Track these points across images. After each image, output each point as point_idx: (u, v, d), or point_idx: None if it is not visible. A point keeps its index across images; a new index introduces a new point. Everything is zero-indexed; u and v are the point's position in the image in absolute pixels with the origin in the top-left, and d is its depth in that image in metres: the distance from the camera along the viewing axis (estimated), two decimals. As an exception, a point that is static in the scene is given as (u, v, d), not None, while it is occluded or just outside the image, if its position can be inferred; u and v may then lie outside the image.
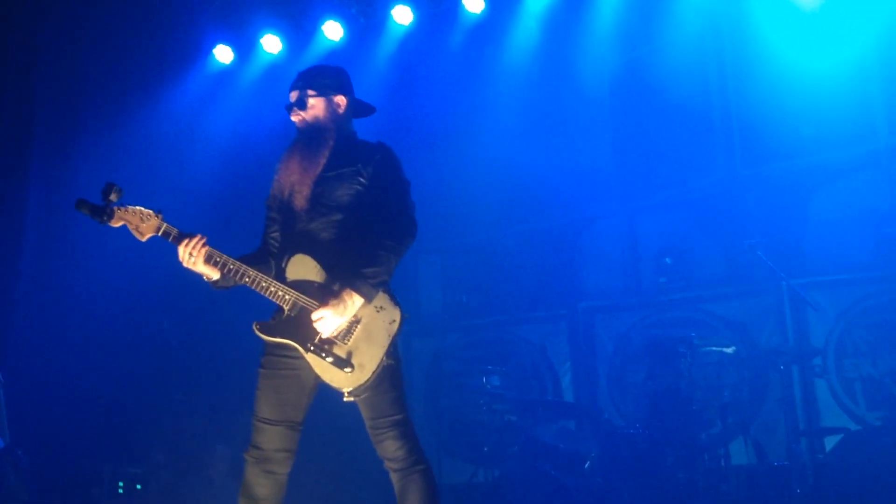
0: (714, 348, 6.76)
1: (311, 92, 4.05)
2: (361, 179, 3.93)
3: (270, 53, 8.79)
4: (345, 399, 3.78)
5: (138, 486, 7.48)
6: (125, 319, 8.19)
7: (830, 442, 6.47)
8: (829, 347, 6.97)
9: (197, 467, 7.68)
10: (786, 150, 7.49)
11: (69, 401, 7.81)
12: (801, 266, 7.18)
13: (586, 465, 6.51)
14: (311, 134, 4.02)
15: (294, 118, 4.06)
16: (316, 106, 4.05)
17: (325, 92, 4.07)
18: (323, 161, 3.96)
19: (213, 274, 3.80)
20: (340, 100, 4.10)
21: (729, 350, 6.70)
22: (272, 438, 3.80)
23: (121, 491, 7.49)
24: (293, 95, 4.07)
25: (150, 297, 8.20)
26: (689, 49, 7.89)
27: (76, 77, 8.60)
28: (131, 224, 3.74)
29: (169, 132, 8.78)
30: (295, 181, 3.94)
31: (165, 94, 8.86)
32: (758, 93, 7.64)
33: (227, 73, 9.01)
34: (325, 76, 4.13)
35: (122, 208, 3.72)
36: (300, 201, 3.91)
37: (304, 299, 3.75)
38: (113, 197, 3.66)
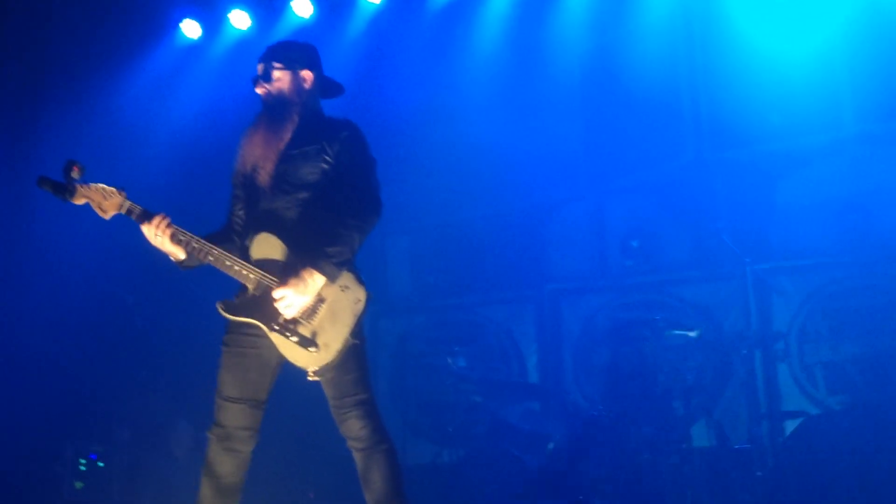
0: (678, 332, 6.79)
1: (276, 64, 4.02)
2: (327, 157, 3.90)
3: (239, 29, 8.69)
4: (309, 378, 3.78)
5: (101, 464, 7.42)
6: (88, 296, 8.10)
7: (791, 426, 6.55)
8: (791, 332, 7.05)
9: (160, 445, 7.64)
10: (753, 136, 7.53)
11: (30, 378, 7.72)
12: (766, 251, 7.23)
13: (550, 447, 6.55)
14: (275, 107, 3.99)
15: (259, 90, 4.04)
16: (281, 79, 4.02)
17: (291, 65, 4.04)
18: (287, 136, 3.93)
19: (180, 253, 3.77)
20: (307, 74, 4.07)
21: (693, 333, 6.74)
22: (235, 416, 3.79)
23: (83, 468, 7.43)
24: (259, 68, 4.05)
25: (113, 274, 8.11)
26: (658, 33, 7.89)
27: (38, 52, 8.45)
28: (94, 201, 3.70)
29: (134, 108, 8.66)
30: (258, 155, 3.92)
31: (131, 70, 8.73)
32: (726, 79, 7.66)
33: (195, 48, 8.89)
34: (293, 50, 4.11)
35: (85, 185, 3.68)
36: (263, 177, 3.88)
37: (267, 278, 3.73)
38: (74, 174, 3.61)
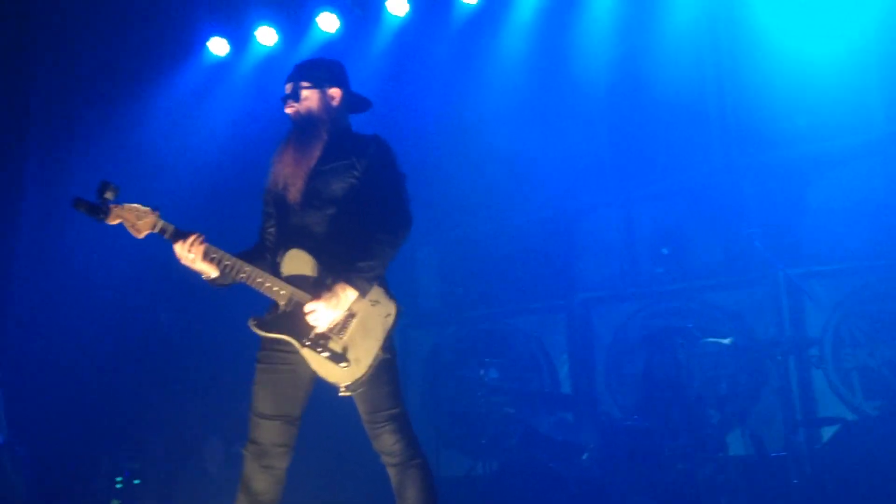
0: (711, 339, 6.74)
1: (304, 84, 4.05)
2: (356, 173, 3.92)
3: (266, 46, 8.76)
4: (341, 394, 3.78)
5: (136, 481, 7.48)
6: (123, 313, 8.19)
7: (828, 432, 6.48)
8: (825, 337, 6.97)
9: (194, 460, 7.68)
10: (782, 139, 7.47)
11: (67, 395, 7.81)
12: (798, 256, 7.16)
13: (584, 457, 6.52)
14: (305, 126, 4.02)
15: (288, 110, 4.06)
16: (310, 98, 4.04)
17: (319, 84, 4.06)
18: (317, 154, 3.95)
19: (212, 272, 3.80)
20: (335, 92, 4.09)
21: (726, 340, 6.68)
22: (270, 433, 3.80)
23: (119, 486, 7.49)
24: (288, 87, 4.08)
25: (147, 291, 8.20)
26: (685, 37, 7.86)
27: (70, 72, 8.58)
28: (128, 221, 3.74)
29: (164, 126, 8.76)
30: (288, 174, 3.94)
31: (160, 88, 8.83)
32: (754, 81, 7.62)
33: (223, 65, 8.97)
34: (320, 68, 4.13)
35: (119, 206, 3.72)
36: (294, 194, 3.90)
37: (299, 294, 3.74)
38: (108, 195, 3.66)
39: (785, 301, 7.12)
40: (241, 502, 3.81)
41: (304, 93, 4.04)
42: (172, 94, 8.87)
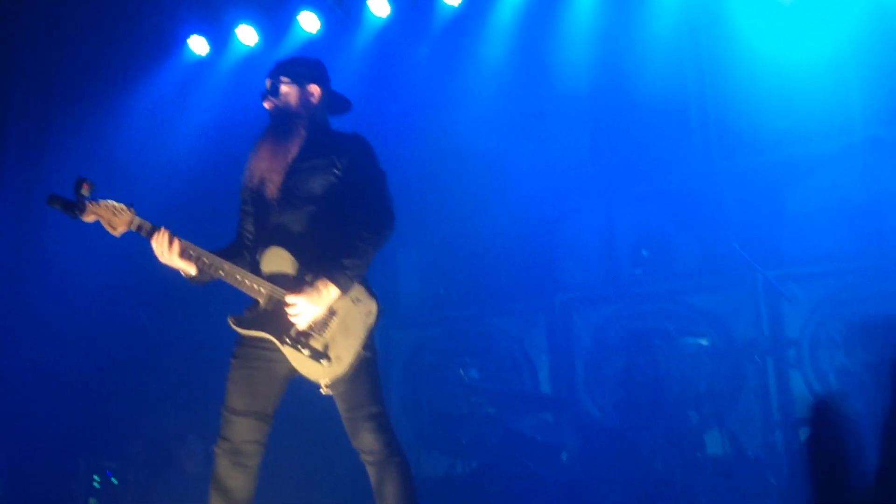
0: (690, 340, 6.77)
1: (284, 79, 4.04)
2: (336, 171, 3.91)
3: (246, 45, 8.73)
4: (322, 391, 3.78)
5: (115, 481, 7.43)
6: (99, 312, 8.13)
7: (806, 433, 6.51)
8: (803, 339, 7.01)
9: (173, 460, 7.64)
10: (762, 142, 7.51)
11: (43, 395, 7.75)
12: (776, 258, 7.21)
13: (563, 457, 6.54)
14: (282, 121, 4.01)
15: (266, 105, 4.06)
16: (289, 93, 4.04)
17: (298, 80, 4.06)
18: (294, 149, 3.94)
19: (190, 269, 3.79)
20: (314, 89, 4.08)
21: (705, 342, 6.72)
22: (242, 430, 3.79)
23: (97, 485, 7.44)
24: (267, 83, 4.07)
25: (125, 289, 8.14)
26: (666, 41, 7.89)
27: (48, 69, 8.51)
28: (104, 218, 3.72)
29: (143, 125, 8.70)
30: (264, 168, 3.93)
31: (139, 86, 8.77)
32: (734, 85, 7.65)
33: (202, 64, 8.93)
34: (300, 65, 4.13)
35: (94, 202, 3.69)
36: (272, 190, 3.89)
37: (278, 291, 3.73)
38: (84, 191, 3.63)
39: (763, 303, 7.16)
40: (214, 500, 3.80)
41: (283, 88, 4.03)
42: (151, 93, 8.81)
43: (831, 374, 6.91)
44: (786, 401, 6.92)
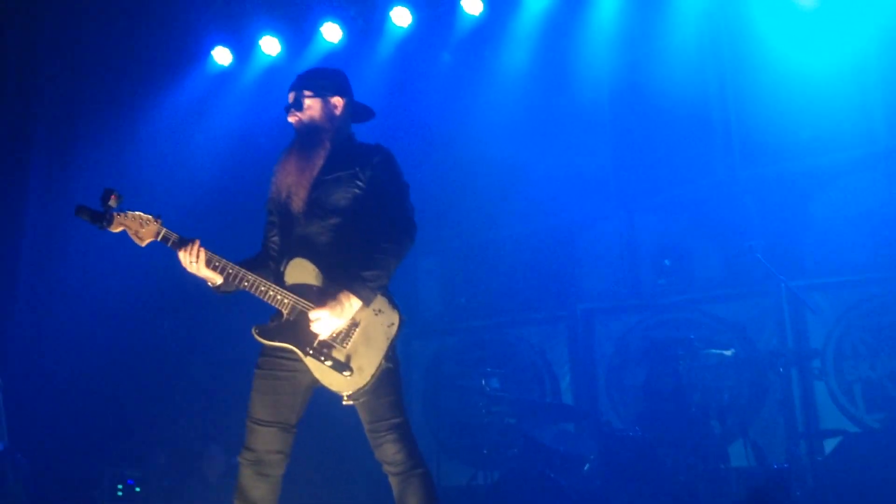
0: (713, 350, 6.73)
1: (307, 93, 4.05)
2: (359, 182, 3.92)
3: (269, 55, 8.79)
4: (344, 403, 3.78)
5: (137, 490, 7.47)
6: (124, 321, 8.19)
7: (830, 444, 6.46)
8: (827, 349, 6.97)
9: (195, 470, 7.68)
10: (785, 151, 7.49)
11: (68, 403, 7.81)
12: (800, 268, 7.17)
13: (585, 468, 6.50)
14: (308, 135, 4.02)
15: (291, 119, 4.07)
16: (312, 107, 4.05)
17: (321, 93, 4.07)
18: (319, 162, 3.95)
19: (216, 279, 3.81)
20: (337, 101, 4.09)
21: (728, 352, 6.68)
22: (266, 440, 3.80)
23: (120, 493, 7.48)
24: (291, 96, 4.08)
25: (149, 300, 8.20)
26: (687, 50, 7.88)
27: (75, 80, 8.61)
28: (131, 229, 3.74)
29: (168, 135, 8.78)
30: (291, 183, 3.95)
31: (164, 97, 8.86)
32: (756, 94, 7.63)
33: (226, 74, 9.00)
34: (323, 77, 4.14)
35: (122, 214, 3.73)
36: (297, 204, 3.91)
37: (302, 303, 3.74)
38: (112, 202, 3.66)
39: (787, 313, 7.13)
40: (238, 510, 3.81)
41: (307, 101, 4.04)
42: (176, 103, 8.89)
43: (856, 385, 6.86)
44: (810, 412, 6.87)
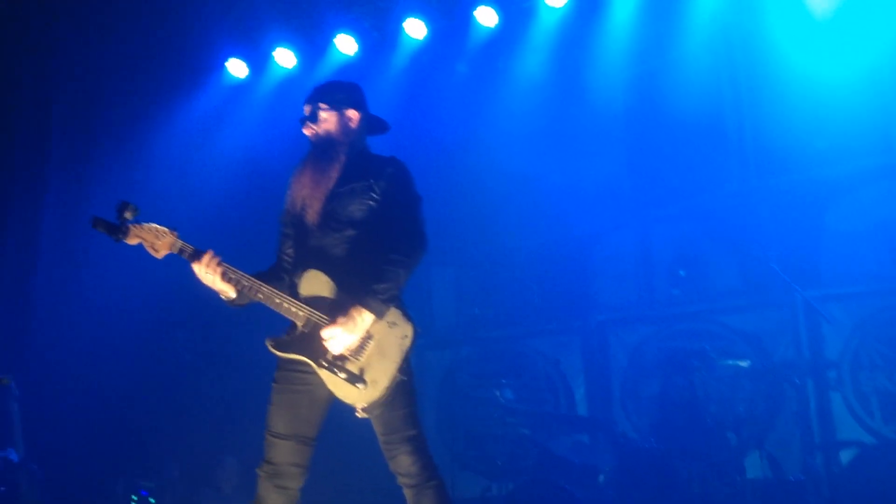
0: (729, 361, 6.72)
1: (323, 105, 4.07)
2: (373, 195, 3.93)
3: (284, 67, 8.82)
4: (358, 415, 3.78)
5: (152, 501, 7.48)
6: (139, 332, 8.21)
7: (846, 456, 6.42)
8: (844, 360, 6.92)
9: (209, 480, 7.69)
10: (800, 161, 7.46)
11: (83, 414, 7.83)
12: (815, 278, 7.13)
13: (600, 479, 6.49)
14: (323, 148, 4.04)
15: (306, 132, 4.09)
16: (328, 120, 4.06)
17: (337, 106, 4.09)
18: (335, 175, 3.97)
19: (231, 291, 3.82)
20: (353, 114, 4.11)
21: (743, 363, 6.67)
22: (284, 453, 3.80)
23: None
24: (306, 109, 4.10)
25: (164, 311, 8.22)
26: (702, 60, 7.87)
27: (91, 93, 8.67)
28: (147, 242, 3.76)
29: (183, 147, 8.82)
30: (306, 195, 3.96)
31: (179, 109, 8.90)
32: (771, 104, 7.61)
33: (241, 87, 9.04)
34: (338, 90, 4.16)
35: (138, 226, 3.74)
36: (312, 216, 3.92)
37: (316, 315, 3.75)
38: (128, 215, 3.68)
39: (803, 323, 7.09)
40: (255, 523, 3.81)
41: (323, 114, 4.06)
42: (191, 116, 8.93)
43: (873, 396, 6.81)
44: (826, 423, 6.83)
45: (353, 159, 4.04)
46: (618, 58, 8.12)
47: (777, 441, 6.92)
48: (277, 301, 3.79)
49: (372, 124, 4.23)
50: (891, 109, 7.11)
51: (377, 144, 4.26)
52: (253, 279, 3.82)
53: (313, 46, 8.70)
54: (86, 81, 8.61)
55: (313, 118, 4.06)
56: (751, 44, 7.79)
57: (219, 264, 3.77)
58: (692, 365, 6.50)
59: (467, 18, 8.33)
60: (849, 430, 6.82)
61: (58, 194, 8.37)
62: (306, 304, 3.79)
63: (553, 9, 8.14)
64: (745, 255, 7.51)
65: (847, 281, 7.05)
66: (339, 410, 3.88)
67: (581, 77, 8.29)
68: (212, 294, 3.89)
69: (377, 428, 3.85)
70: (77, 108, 8.61)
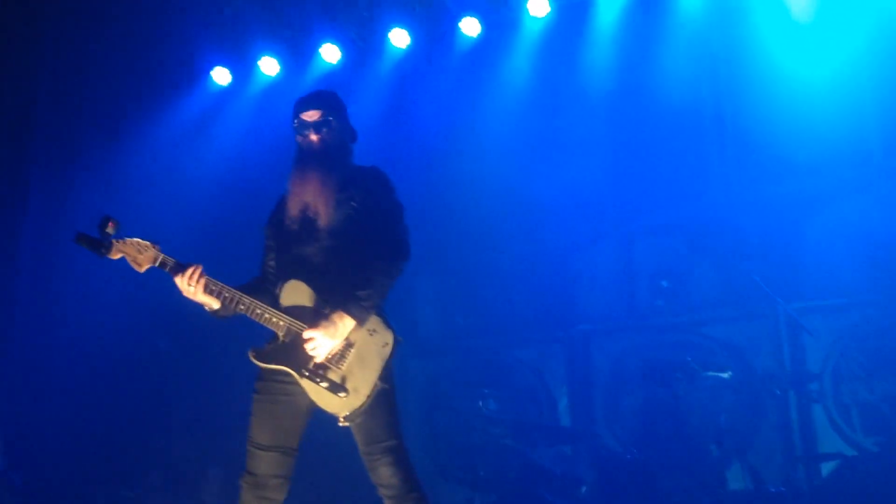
0: (710, 372, 6.73)
1: (332, 114, 4.06)
2: (354, 204, 3.94)
3: (268, 76, 8.81)
4: (340, 424, 3.78)
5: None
6: (120, 342, 8.17)
7: (827, 468, 6.44)
8: (825, 372, 6.94)
9: (191, 490, 7.65)
10: (781, 173, 7.49)
11: (64, 423, 7.78)
12: (797, 290, 7.16)
13: (582, 490, 6.48)
14: (329, 155, 4.02)
15: (313, 137, 4.02)
16: (336, 128, 4.06)
17: (343, 115, 4.10)
18: (335, 184, 3.97)
19: (213, 303, 3.82)
20: (345, 122, 4.13)
21: (725, 374, 6.67)
22: (266, 464, 3.80)
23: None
24: (315, 115, 4.04)
25: (146, 322, 8.18)
26: (684, 72, 7.91)
27: (72, 100, 8.63)
28: (129, 256, 3.77)
29: (166, 156, 8.79)
30: (311, 201, 3.95)
31: (163, 118, 8.88)
32: (753, 117, 7.65)
33: (225, 94, 9.02)
34: (340, 100, 4.17)
35: (121, 240, 3.75)
36: (323, 220, 3.89)
37: (297, 325, 3.75)
38: (110, 229, 3.68)
39: (784, 335, 7.10)
40: (238, 533, 3.80)
41: (333, 122, 4.06)
42: (175, 124, 8.91)
43: (853, 408, 6.83)
44: (808, 435, 6.84)
45: (337, 169, 4.05)
46: (600, 68, 8.15)
47: (759, 452, 6.93)
48: (259, 311, 3.79)
49: (353, 135, 4.24)
50: (868, 122, 7.16)
51: (359, 152, 4.26)
52: (234, 291, 3.82)
53: (298, 55, 8.70)
54: (69, 89, 8.58)
55: (325, 125, 4.03)
56: (733, 55, 7.83)
57: (200, 276, 3.76)
58: (674, 376, 6.51)
59: (451, 28, 8.35)
60: (830, 441, 6.83)
61: (40, 201, 8.33)
62: (287, 315, 3.78)
63: (536, 18, 8.17)
64: (727, 267, 7.53)
65: (828, 293, 7.08)
66: (321, 421, 3.87)
67: (564, 87, 8.32)
68: (194, 305, 3.89)
69: (358, 438, 3.85)
70: (60, 114, 8.57)
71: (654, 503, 6.04)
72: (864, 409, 6.79)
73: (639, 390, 7.28)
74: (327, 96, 4.16)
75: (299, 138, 4.07)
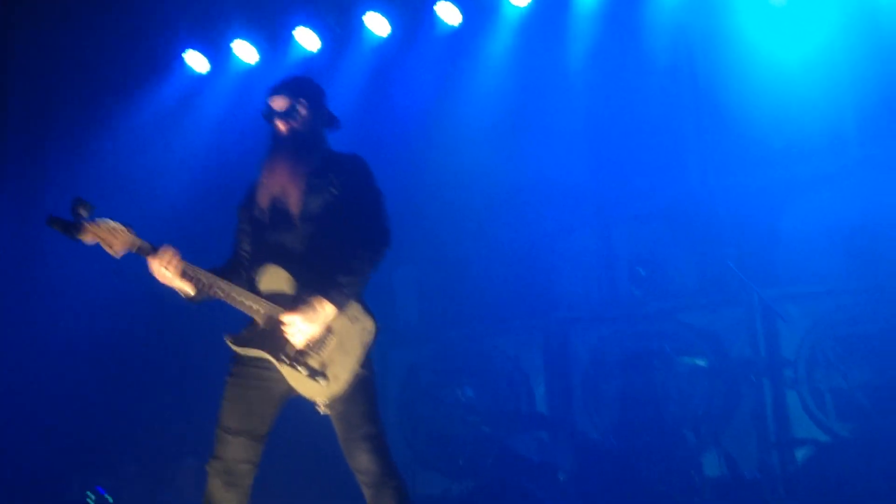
0: (687, 359, 6.77)
1: (302, 101, 4.01)
2: (332, 190, 3.91)
3: (245, 62, 8.75)
4: (319, 411, 3.76)
5: (110, 499, 7.39)
6: (95, 329, 8.10)
7: (802, 454, 6.50)
8: (800, 359, 6.99)
9: (168, 479, 7.61)
10: (758, 161, 7.54)
11: (37, 415, 7.72)
12: (772, 277, 7.21)
13: (560, 478, 6.52)
14: (300, 142, 3.98)
15: (281, 125, 3.99)
16: (306, 115, 4.02)
17: (314, 101, 4.06)
18: (307, 170, 3.93)
19: (189, 289, 3.77)
20: (324, 111, 4.09)
21: (701, 361, 6.72)
22: (235, 449, 3.76)
23: (90, 502, 7.40)
24: (280, 102, 4.00)
25: (121, 307, 8.12)
26: (662, 60, 7.93)
27: (45, 85, 8.54)
28: (104, 241, 3.69)
29: (140, 141, 8.72)
30: (282, 189, 3.91)
31: (136, 103, 8.80)
32: (731, 105, 7.69)
33: (200, 80, 8.96)
34: (312, 86, 4.13)
35: (94, 223, 3.67)
36: (293, 208, 3.86)
37: (276, 310, 3.72)
38: (82, 212, 3.61)
39: (759, 322, 7.15)
40: (206, 521, 3.77)
41: (301, 110, 4.02)
42: (148, 109, 8.83)
43: (827, 394, 6.89)
44: (782, 422, 6.90)
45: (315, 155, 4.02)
46: (580, 56, 8.16)
47: (734, 439, 6.97)
48: (236, 297, 3.75)
49: (329, 120, 4.20)
50: (845, 111, 7.21)
51: (338, 139, 4.24)
52: (211, 275, 3.78)
53: (274, 40, 8.64)
54: (40, 74, 8.48)
55: (292, 113, 4.00)
56: (711, 46, 7.86)
57: (176, 261, 3.72)
58: (651, 364, 6.55)
59: (430, 16, 8.33)
60: (804, 428, 6.89)
61: (12, 189, 8.24)
62: (265, 300, 3.76)
63: (517, 7, 8.16)
64: (703, 255, 7.57)
65: (803, 280, 7.14)
66: (299, 407, 3.85)
67: (543, 76, 8.32)
68: (169, 290, 3.85)
69: (337, 425, 3.83)
70: (32, 100, 8.47)
71: (631, 490, 6.08)
72: (837, 396, 6.85)
73: (616, 378, 7.31)
74: (298, 82, 4.10)
75: (271, 126, 4.04)
